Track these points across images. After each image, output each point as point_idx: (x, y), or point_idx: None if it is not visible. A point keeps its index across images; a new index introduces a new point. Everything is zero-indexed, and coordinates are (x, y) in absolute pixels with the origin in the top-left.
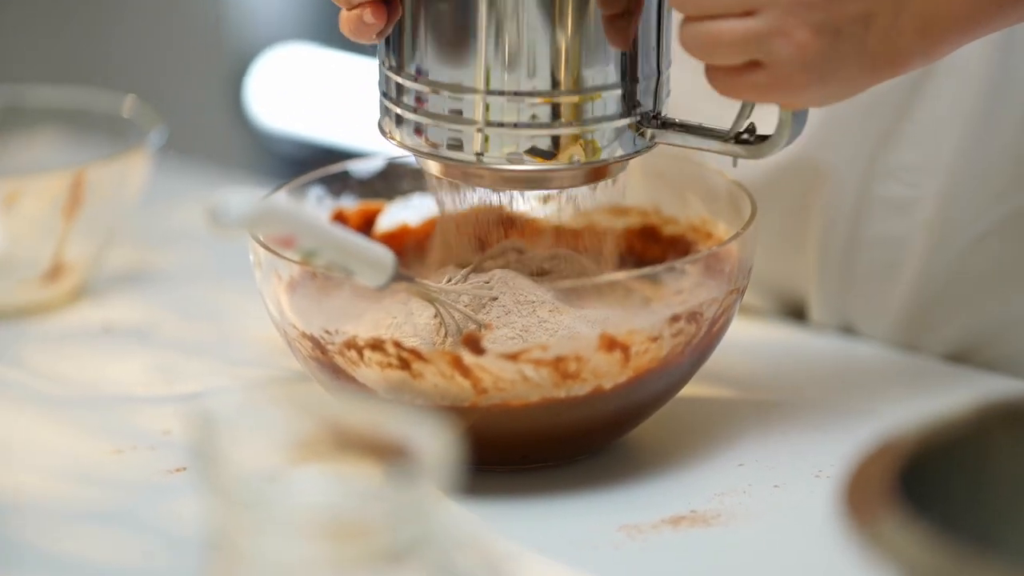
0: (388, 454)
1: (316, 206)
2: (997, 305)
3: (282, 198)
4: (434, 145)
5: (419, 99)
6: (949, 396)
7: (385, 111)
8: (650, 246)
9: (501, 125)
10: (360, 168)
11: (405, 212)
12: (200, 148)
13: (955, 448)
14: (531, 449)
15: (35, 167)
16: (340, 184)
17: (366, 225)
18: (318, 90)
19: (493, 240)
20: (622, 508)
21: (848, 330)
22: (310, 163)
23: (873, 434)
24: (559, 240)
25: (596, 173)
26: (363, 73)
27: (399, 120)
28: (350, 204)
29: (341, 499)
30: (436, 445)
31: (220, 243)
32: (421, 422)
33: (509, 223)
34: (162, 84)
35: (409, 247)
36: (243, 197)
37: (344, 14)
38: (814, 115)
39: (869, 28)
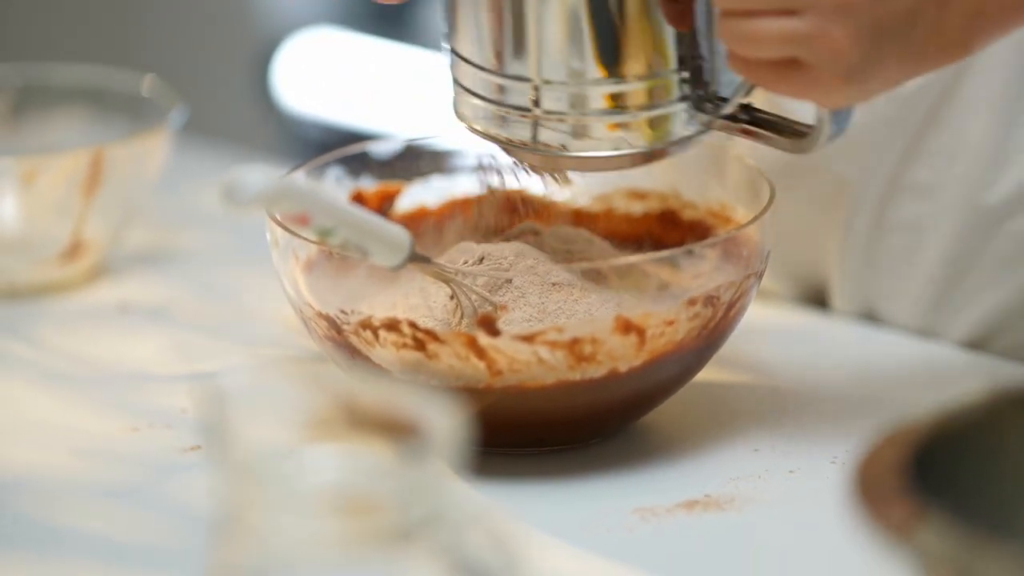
0: (400, 432)
1: (335, 186)
2: (1020, 289)
3: (300, 177)
4: (499, 127)
5: (487, 87)
6: (967, 385)
7: (458, 97)
8: (669, 230)
9: (557, 112)
10: (379, 149)
11: (424, 193)
12: (226, 131)
13: (967, 435)
14: (546, 432)
15: (55, 146)
16: (359, 165)
17: (385, 206)
18: (344, 74)
19: (510, 222)
20: (636, 491)
21: (870, 315)
22: (335, 147)
23: (890, 422)
24: (577, 223)
25: (652, 155)
26: (390, 58)
27: (470, 106)
28: (369, 185)
29: (352, 477)
30: (447, 424)
31: (237, 224)
32: (433, 400)
33: (526, 205)
34: (189, 66)
35: (427, 228)
36: (259, 175)
37: None
38: None
39: (915, 26)
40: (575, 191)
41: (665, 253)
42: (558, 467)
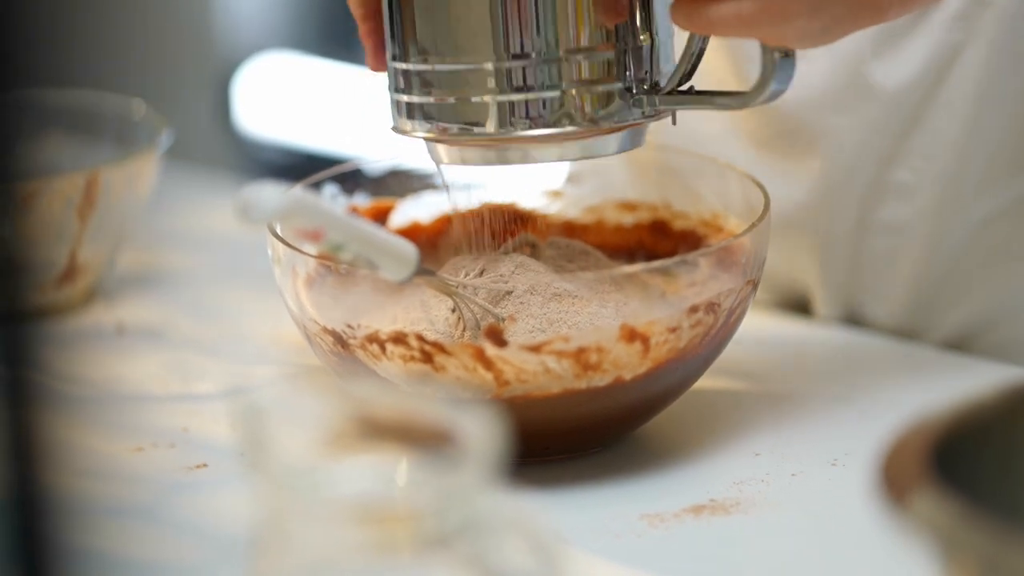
0: (430, 441)
1: (331, 203)
2: (1000, 289)
3: (309, 193)
4: (444, 131)
5: (426, 85)
6: (955, 384)
7: (395, 108)
8: (660, 241)
9: (512, 93)
10: (373, 166)
11: (416, 209)
12: (186, 154)
13: (984, 430)
14: (552, 441)
15: (41, 170)
16: (353, 182)
17: (378, 222)
18: (302, 98)
19: (505, 235)
20: (643, 497)
21: (852, 318)
22: (294, 169)
23: (885, 423)
24: (570, 235)
25: (602, 144)
26: (346, 81)
27: (409, 111)
28: (363, 201)
29: (387, 486)
30: (482, 431)
31: (221, 244)
32: (466, 409)
33: (520, 219)
34: (148, 91)
35: (421, 244)
36: (273, 191)
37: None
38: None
39: None
40: (566, 203)
41: (666, 262)
42: (563, 475)
